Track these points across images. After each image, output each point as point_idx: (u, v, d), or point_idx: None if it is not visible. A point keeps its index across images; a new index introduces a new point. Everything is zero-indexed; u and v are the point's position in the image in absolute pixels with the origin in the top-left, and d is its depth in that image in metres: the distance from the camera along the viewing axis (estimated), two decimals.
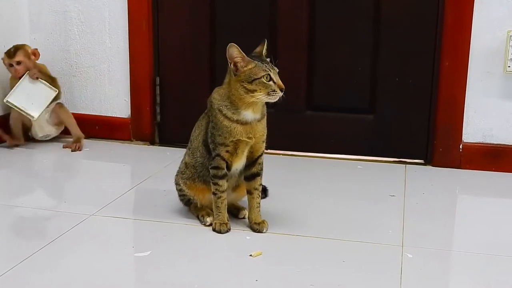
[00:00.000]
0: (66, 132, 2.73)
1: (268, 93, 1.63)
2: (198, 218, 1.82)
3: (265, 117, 1.73)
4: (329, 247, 1.68)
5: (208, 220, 1.78)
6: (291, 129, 2.60)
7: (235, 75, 1.66)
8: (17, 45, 2.61)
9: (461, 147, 2.46)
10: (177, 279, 1.48)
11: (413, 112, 2.52)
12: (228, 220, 1.76)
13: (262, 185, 1.81)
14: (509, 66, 2.35)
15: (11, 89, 2.58)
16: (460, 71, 2.41)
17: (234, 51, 1.65)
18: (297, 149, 2.62)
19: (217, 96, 1.72)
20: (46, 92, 2.63)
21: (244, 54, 1.66)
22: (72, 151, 2.59)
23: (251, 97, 1.64)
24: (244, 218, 1.84)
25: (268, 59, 1.69)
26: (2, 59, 2.60)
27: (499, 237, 1.81)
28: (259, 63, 1.65)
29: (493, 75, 2.39)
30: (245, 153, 1.74)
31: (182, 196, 1.85)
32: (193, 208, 1.86)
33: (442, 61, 2.42)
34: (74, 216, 1.85)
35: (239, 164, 1.75)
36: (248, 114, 1.68)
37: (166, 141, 2.74)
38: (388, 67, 2.51)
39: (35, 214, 1.90)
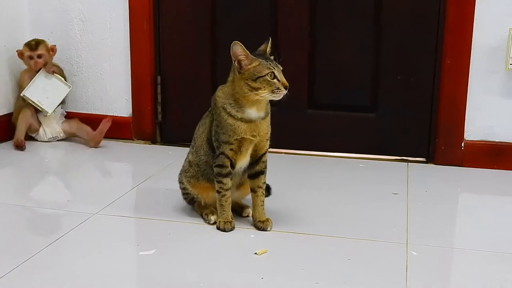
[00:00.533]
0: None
1: (273, 91, 1.63)
2: (202, 216, 1.82)
3: (269, 115, 1.73)
4: (334, 245, 1.68)
5: (212, 218, 1.78)
6: (293, 128, 2.60)
7: (239, 73, 1.66)
8: (37, 39, 2.66)
9: (463, 145, 2.46)
10: (182, 277, 1.48)
11: (415, 110, 2.52)
12: (232, 218, 1.76)
13: (265, 184, 1.81)
14: (511, 64, 2.35)
15: (21, 83, 2.64)
16: (461, 69, 2.41)
17: (238, 49, 1.65)
18: (299, 147, 2.62)
19: (221, 94, 1.71)
20: (60, 88, 2.67)
21: (248, 52, 1.66)
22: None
23: (256, 95, 1.64)
24: (248, 216, 1.84)
25: (272, 57, 1.69)
26: (20, 51, 2.64)
27: (502, 234, 1.81)
28: (263, 61, 1.65)
29: (495, 73, 2.39)
30: (249, 151, 1.73)
31: (185, 194, 1.85)
32: (196, 207, 1.85)
33: (444, 59, 2.42)
34: (78, 215, 1.84)
35: (243, 162, 1.75)
36: (252, 112, 1.68)
37: (168, 140, 2.74)
38: (390, 65, 2.51)
39: (39, 213, 1.90)
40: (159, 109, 2.73)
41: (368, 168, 2.45)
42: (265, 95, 1.64)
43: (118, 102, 2.75)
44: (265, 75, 1.63)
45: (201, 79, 2.67)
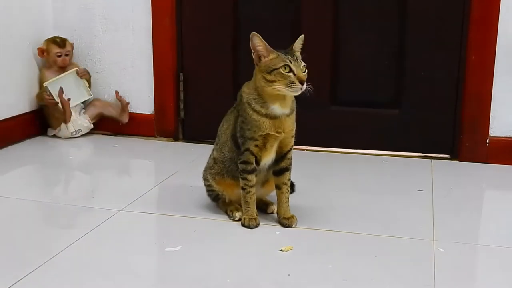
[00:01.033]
0: (96, 128, 2.77)
1: (287, 84, 1.61)
2: (226, 213, 1.82)
3: (295, 112, 1.72)
4: (360, 241, 1.68)
5: (237, 215, 1.78)
6: (316, 125, 2.59)
7: (257, 65, 1.66)
8: (59, 36, 2.71)
9: (488, 141, 2.43)
10: (208, 273, 1.48)
11: (439, 107, 2.50)
12: (257, 215, 1.76)
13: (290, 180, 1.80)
14: None
15: (42, 80, 2.68)
16: (486, 65, 2.39)
17: (256, 40, 1.65)
18: (322, 144, 2.61)
19: (246, 90, 1.71)
20: (82, 93, 2.72)
21: (266, 44, 1.65)
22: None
23: (272, 88, 1.62)
24: (272, 213, 1.83)
25: (297, 53, 1.68)
26: (42, 49, 2.68)
27: None
28: (282, 54, 1.64)
29: None
30: (274, 148, 1.73)
31: (210, 191, 1.85)
32: (221, 204, 1.85)
33: (469, 54, 2.40)
34: (103, 211, 1.85)
35: (268, 159, 1.74)
36: (276, 108, 1.67)
37: (190, 137, 2.75)
38: (414, 61, 2.49)
39: (64, 209, 1.91)
40: (182, 106, 2.74)
41: (392, 165, 2.43)
42: (280, 89, 1.62)
43: (141, 100, 2.76)
44: (279, 68, 1.62)
45: (223, 76, 2.67)
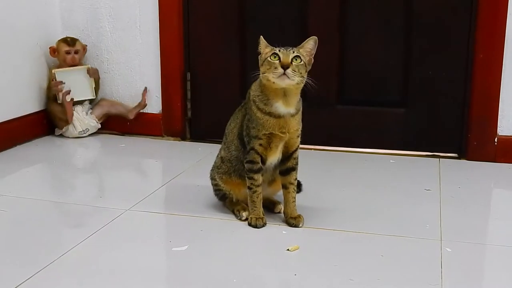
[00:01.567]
0: (103, 128, 2.77)
1: (272, 71, 1.61)
2: (233, 212, 1.82)
3: (300, 112, 1.72)
4: (366, 241, 1.67)
5: (244, 214, 1.78)
6: (323, 124, 2.59)
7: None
8: (70, 36, 2.73)
9: (496, 140, 2.42)
10: (215, 273, 1.48)
11: (447, 105, 2.49)
12: (263, 215, 1.76)
13: (297, 180, 1.80)
14: None
15: (50, 80, 2.70)
16: (495, 63, 2.38)
17: (260, 43, 1.67)
18: (329, 143, 2.61)
19: (253, 87, 1.72)
20: (86, 91, 2.73)
21: (267, 44, 1.66)
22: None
23: (266, 80, 1.63)
24: (279, 212, 1.83)
25: (301, 49, 1.66)
26: (53, 48, 2.71)
27: None
28: (278, 48, 1.64)
29: None
30: (280, 148, 1.73)
31: (217, 191, 1.85)
32: (228, 203, 1.85)
33: (477, 53, 2.39)
34: (110, 211, 1.86)
35: (273, 158, 1.74)
36: (279, 106, 1.66)
37: (197, 136, 2.75)
38: (421, 59, 2.49)
39: (72, 209, 1.92)
40: (189, 106, 2.75)
41: (399, 164, 2.43)
42: (269, 77, 1.61)
43: (148, 99, 2.77)
44: (268, 57, 1.63)
45: (231, 75, 2.67)
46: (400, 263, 1.54)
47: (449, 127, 2.50)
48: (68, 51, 2.69)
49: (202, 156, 2.44)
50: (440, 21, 2.45)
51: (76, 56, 2.70)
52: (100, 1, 2.74)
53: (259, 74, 1.66)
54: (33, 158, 2.46)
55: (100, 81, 2.79)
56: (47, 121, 2.73)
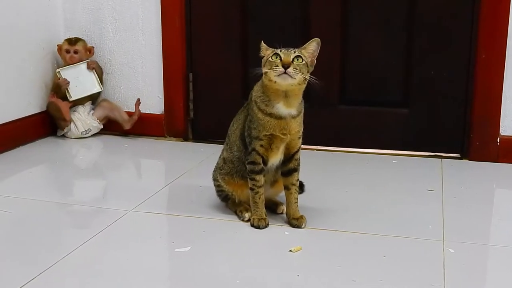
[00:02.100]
0: (106, 128, 2.77)
1: (273, 69, 1.61)
2: (236, 213, 1.82)
3: (302, 113, 1.72)
4: (369, 242, 1.67)
5: (247, 215, 1.78)
6: (325, 124, 2.59)
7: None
8: (77, 37, 2.75)
9: (498, 140, 2.42)
10: (218, 274, 1.48)
11: (449, 106, 2.49)
12: (266, 216, 1.76)
13: (299, 181, 1.80)
14: None
15: (56, 79, 2.71)
16: (497, 63, 2.37)
17: (261, 47, 1.69)
18: (331, 144, 2.61)
19: (255, 88, 1.72)
20: (92, 85, 2.74)
21: (268, 47, 1.67)
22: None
23: (268, 80, 1.63)
24: (282, 213, 1.83)
25: (303, 50, 1.67)
26: (60, 46, 2.73)
27: None
28: (280, 48, 1.65)
29: None
30: (281, 149, 1.73)
31: (220, 191, 1.86)
32: (231, 204, 1.86)
33: (479, 53, 2.39)
34: (113, 212, 1.86)
35: (275, 159, 1.74)
36: (281, 107, 1.66)
37: (200, 137, 2.76)
38: (423, 59, 2.49)
39: (74, 210, 1.93)
40: (191, 106, 2.75)
41: (402, 164, 2.43)
42: (270, 77, 1.62)
43: (151, 100, 2.77)
44: (270, 57, 1.63)
45: (233, 76, 2.67)
46: (403, 264, 1.55)
47: (451, 127, 2.50)
48: (67, 50, 2.71)
49: (205, 157, 2.44)
50: (441, 21, 2.45)
51: (76, 55, 2.71)
52: (102, 2, 2.75)
53: (261, 73, 1.66)
54: (36, 159, 2.47)
55: (105, 82, 2.78)
56: (50, 122, 2.74)
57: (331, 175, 2.29)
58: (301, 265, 1.54)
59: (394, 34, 2.50)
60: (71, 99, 2.69)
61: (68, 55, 2.71)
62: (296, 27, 2.57)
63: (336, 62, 2.57)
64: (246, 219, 1.78)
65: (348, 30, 2.54)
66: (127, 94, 2.80)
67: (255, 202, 1.75)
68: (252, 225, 1.75)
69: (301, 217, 1.76)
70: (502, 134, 2.42)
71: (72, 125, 2.70)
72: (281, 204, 1.85)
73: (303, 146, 1.78)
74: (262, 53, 1.69)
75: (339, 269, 1.51)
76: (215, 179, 1.86)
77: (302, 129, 1.73)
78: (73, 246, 1.61)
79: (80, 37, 2.76)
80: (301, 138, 1.74)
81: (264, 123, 1.67)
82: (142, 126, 2.73)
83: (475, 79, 2.41)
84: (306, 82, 1.65)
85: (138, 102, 2.72)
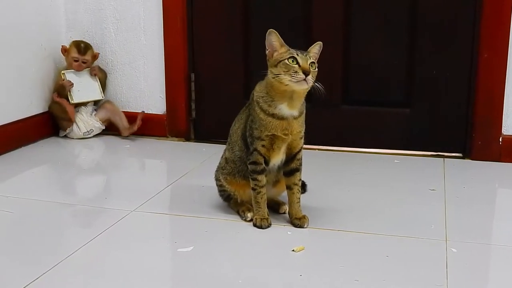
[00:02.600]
0: (108, 129, 2.78)
1: (291, 75, 1.60)
2: (238, 213, 1.82)
3: (303, 114, 1.72)
4: (372, 242, 1.67)
5: (249, 215, 1.78)
6: (327, 124, 2.59)
7: (268, 61, 1.66)
8: (85, 43, 2.74)
9: (500, 140, 2.42)
10: (221, 274, 1.48)
11: (451, 105, 2.49)
12: (268, 215, 1.76)
13: (301, 180, 1.80)
14: None
15: (59, 81, 2.71)
16: (499, 63, 2.37)
17: (273, 37, 1.66)
18: (333, 144, 2.61)
19: (258, 88, 1.72)
20: (94, 91, 2.74)
21: (282, 40, 1.66)
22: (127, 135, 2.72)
23: (278, 82, 1.62)
24: (284, 213, 1.83)
25: (311, 54, 1.67)
26: (65, 48, 2.72)
27: None
28: (292, 49, 1.64)
29: None
30: (283, 149, 1.73)
31: (222, 191, 1.86)
32: (233, 204, 1.86)
33: (481, 52, 2.38)
34: (115, 212, 1.86)
35: (277, 159, 1.74)
36: (283, 108, 1.66)
37: (202, 137, 2.76)
38: (425, 59, 2.49)
39: (77, 210, 1.93)
40: (193, 106, 2.75)
41: (404, 164, 2.43)
42: (284, 80, 1.60)
43: (153, 100, 2.77)
44: (285, 59, 1.62)
45: (234, 76, 2.67)
46: (406, 264, 1.54)
47: (453, 127, 2.50)
48: (76, 59, 2.70)
49: (207, 157, 2.44)
50: (443, 21, 2.44)
51: (84, 65, 2.71)
52: (104, 3, 2.75)
53: (272, 74, 1.64)
54: (38, 159, 2.47)
55: (107, 82, 2.79)
56: (52, 122, 2.74)
57: (333, 175, 2.29)
58: (303, 265, 1.54)
59: (396, 34, 2.50)
60: (72, 102, 2.69)
61: (76, 64, 2.70)
62: (299, 27, 2.57)
63: (338, 63, 2.56)
64: (248, 219, 1.78)
65: (351, 30, 2.54)
66: (128, 94, 2.81)
67: (257, 202, 1.75)
68: (255, 225, 1.75)
69: (304, 217, 1.76)
70: (504, 133, 2.42)
71: (74, 125, 2.70)
72: (284, 203, 1.85)
73: (305, 146, 1.78)
74: (275, 47, 1.65)
75: (341, 269, 1.51)
76: (217, 179, 1.86)
77: (304, 129, 1.73)
78: (75, 246, 1.61)
79: (87, 42, 2.74)
80: (303, 138, 1.74)
81: (266, 124, 1.67)
82: (144, 126, 2.73)
83: (477, 79, 2.41)
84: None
85: (142, 114, 2.71)
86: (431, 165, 2.40)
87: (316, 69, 1.65)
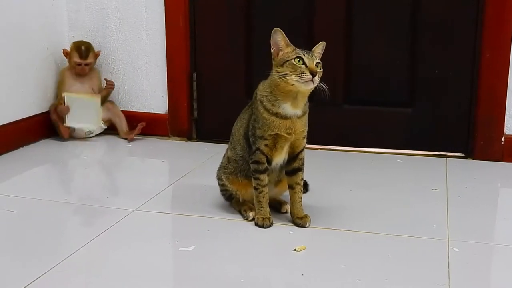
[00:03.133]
0: (109, 129, 2.78)
1: (298, 75, 1.59)
2: (240, 213, 1.82)
3: (307, 114, 1.71)
4: (374, 241, 1.67)
5: (251, 214, 1.78)
6: (329, 123, 2.59)
7: (274, 60, 1.66)
8: (86, 44, 2.71)
9: (503, 139, 2.41)
10: (223, 273, 1.48)
11: (453, 105, 2.48)
12: (270, 215, 1.76)
13: (303, 180, 1.80)
14: None
15: (62, 81, 2.71)
16: (501, 62, 2.37)
17: (278, 36, 1.66)
18: (335, 143, 2.61)
19: (261, 87, 1.71)
20: (91, 121, 2.71)
21: (287, 39, 1.66)
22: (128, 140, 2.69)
23: (284, 82, 1.61)
24: (286, 212, 1.83)
25: (316, 54, 1.67)
26: (67, 52, 2.70)
27: None
28: (298, 49, 1.64)
29: None
30: (286, 149, 1.72)
31: (224, 191, 1.86)
32: (235, 203, 1.86)
33: (483, 52, 2.38)
34: (117, 211, 1.86)
35: (279, 159, 1.74)
36: (287, 108, 1.66)
37: (203, 136, 2.76)
38: (427, 59, 2.48)
39: (79, 209, 1.93)
40: (195, 106, 2.75)
41: (406, 163, 2.42)
42: (290, 80, 1.60)
43: (155, 99, 2.77)
44: (291, 59, 1.61)
45: (236, 75, 2.67)
46: (408, 263, 1.54)
47: (455, 127, 2.49)
48: (78, 63, 2.68)
49: (209, 156, 2.44)
50: (446, 21, 2.44)
51: (87, 67, 2.69)
52: (106, 2, 2.75)
53: (277, 74, 1.63)
54: (40, 159, 2.47)
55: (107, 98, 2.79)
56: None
57: (335, 174, 2.29)
58: (305, 264, 1.54)
59: (398, 33, 2.50)
60: (65, 125, 2.67)
61: (79, 68, 2.68)
62: (301, 27, 2.57)
63: (340, 62, 2.56)
64: (250, 218, 1.78)
65: (353, 30, 2.54)
66: (130, 94, 2.80)
67: (259, 201, 1.75)
68: (256, 224, 1.75)
69: (306, 216, 1.76)
70: (506, 133, 2.42)
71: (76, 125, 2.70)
72: (286, 203, 1.85)
73: (307, 146, 1.77)
74: (281, 46, 1.65)
75: (343, 268, 1.50)
76: (219, 178, 1.86)
77: (306, 128, 1.72)
78: (77, 245, 1.61)
79: (87, 42, 2.72)
80: (305, 137, 1.74)
81: (269, 123, 1.67)
82: (146, 126, 2.73)
83: (479, 78, 2.41)
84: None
85: (142, 125, 2.68)
86: (433, 165, 2.40)
87: (321, 69, 1.65)
